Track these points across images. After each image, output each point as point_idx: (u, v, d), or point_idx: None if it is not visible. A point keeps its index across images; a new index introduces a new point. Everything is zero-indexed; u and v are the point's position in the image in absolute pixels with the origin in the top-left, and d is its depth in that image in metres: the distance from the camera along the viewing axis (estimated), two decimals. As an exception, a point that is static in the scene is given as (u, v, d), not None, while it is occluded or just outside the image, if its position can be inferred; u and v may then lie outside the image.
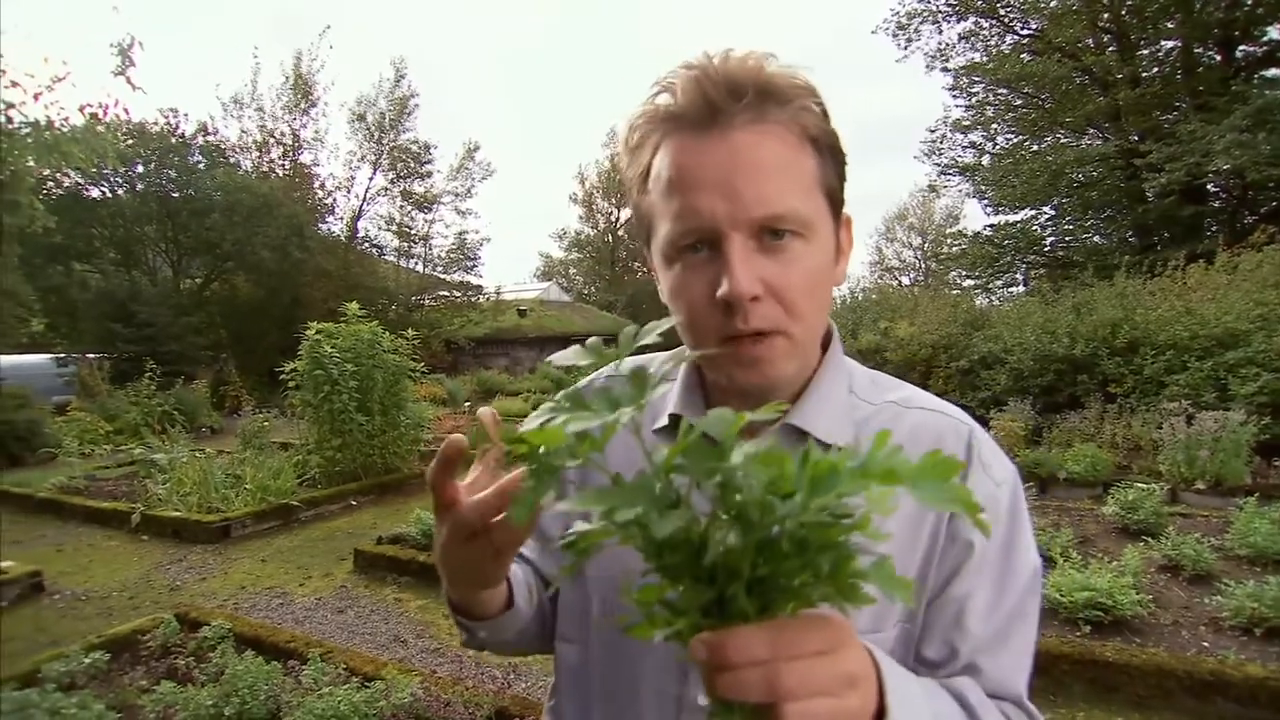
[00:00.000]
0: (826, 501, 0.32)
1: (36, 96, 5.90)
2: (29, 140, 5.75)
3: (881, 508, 0.32)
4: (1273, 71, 14.27)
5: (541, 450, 0.37)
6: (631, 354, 0.43)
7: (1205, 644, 2.97)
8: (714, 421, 0.35)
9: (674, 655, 0.62)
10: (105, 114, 6.42)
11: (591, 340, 0.44)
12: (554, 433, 0.35)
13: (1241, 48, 14.81)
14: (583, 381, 0.74)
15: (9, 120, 5.68)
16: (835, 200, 0.64)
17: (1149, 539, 4.03)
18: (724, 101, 0.56)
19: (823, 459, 0.33)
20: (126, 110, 6.65)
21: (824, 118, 0.61)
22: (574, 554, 0.37)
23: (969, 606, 0.61)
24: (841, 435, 0.65)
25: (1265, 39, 14.66)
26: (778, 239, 0.58)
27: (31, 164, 6.07)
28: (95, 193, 16.11)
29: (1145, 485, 4.65)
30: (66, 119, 6.03)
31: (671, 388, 0.72)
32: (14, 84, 5.73)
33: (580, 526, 0.37)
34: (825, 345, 0.70)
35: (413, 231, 21.82)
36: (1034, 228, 18.14)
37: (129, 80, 6.26)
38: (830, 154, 0.62)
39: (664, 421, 0.70)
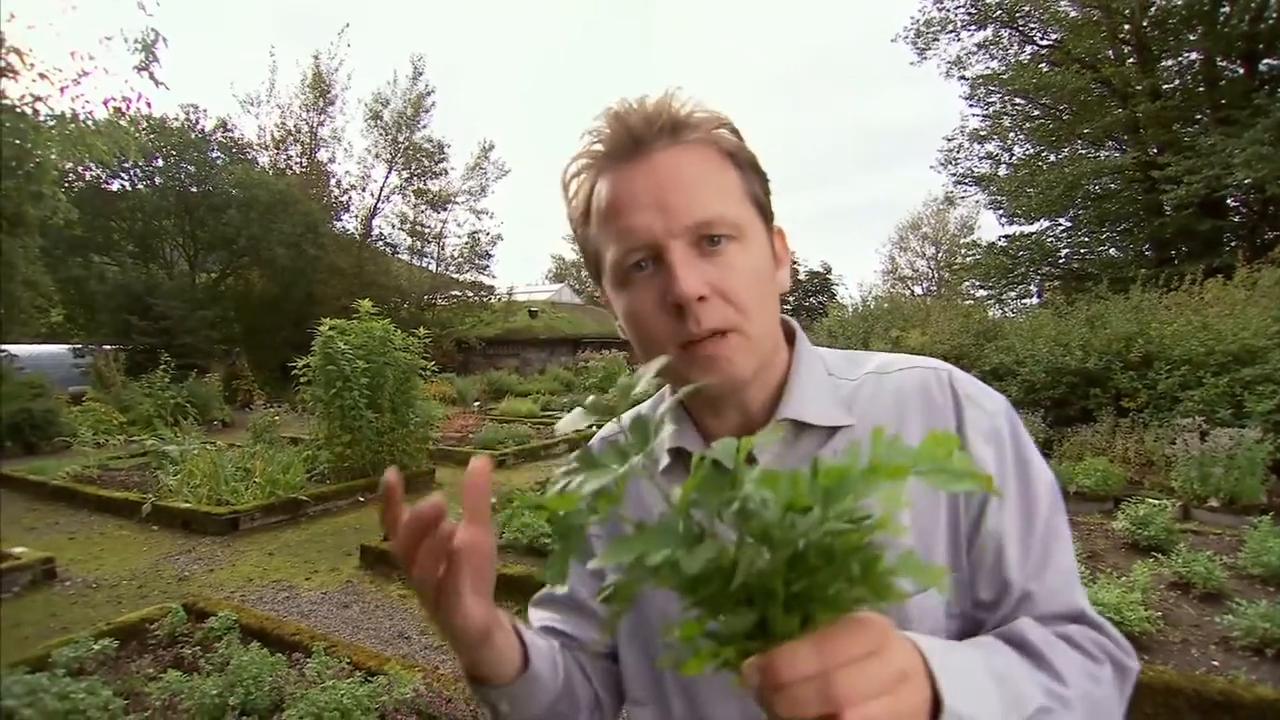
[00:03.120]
0: (844, 508, 0.33)
1: (63, 90, 5.99)
2: (54, 133, 5.84)
3: (894, 503, 0.33)
4: (1296, 86, 14.11)
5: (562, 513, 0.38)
6: (630, 404, 0.44)
7: (1215, 663, 2.93)
8: (722, 450, 0.36)
9: (750, 702, 0.62)
10: (129, 108, 6.51)
11: (591, 400, 0.45)
12: (570, 498, 0.37)
13: (1265, 61, 14.63)
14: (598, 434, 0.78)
15: (35, 113, 5.77)
16: (765, 210, 0.67)
17: (1159, 555, 3.97)
18: (642, 131, 0.62)
19: (832, 467, 0.34)
20: (149, 104, 6.75)
21: (738, 138, 0.66)
22: (615, 605, 0.38)
23: (1005, 540, 0.62)
24: (833, 415, 0.67)
25: (1289, 53, 14.49)
26: (715, 244, 0.61)
27: (55, 157, 6.17)
28: (115, 186, 16.35)
29: (1157, 501, 4.59)
30: (91, 113, 6.13)
31: (662, 418, 0.72)
32: (42, 76, 5.82)
33: (612, 579, 0.38)
34: (791, 342, 0.73)
35: (426, 230, 21.96)
36: (1049, 239, 17.99)
37: (152, 76, 6.35)
38: (751, 169, 0.66)
39: (666, 460, 0.70)
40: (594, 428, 0.58)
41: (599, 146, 0.65)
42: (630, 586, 0.37)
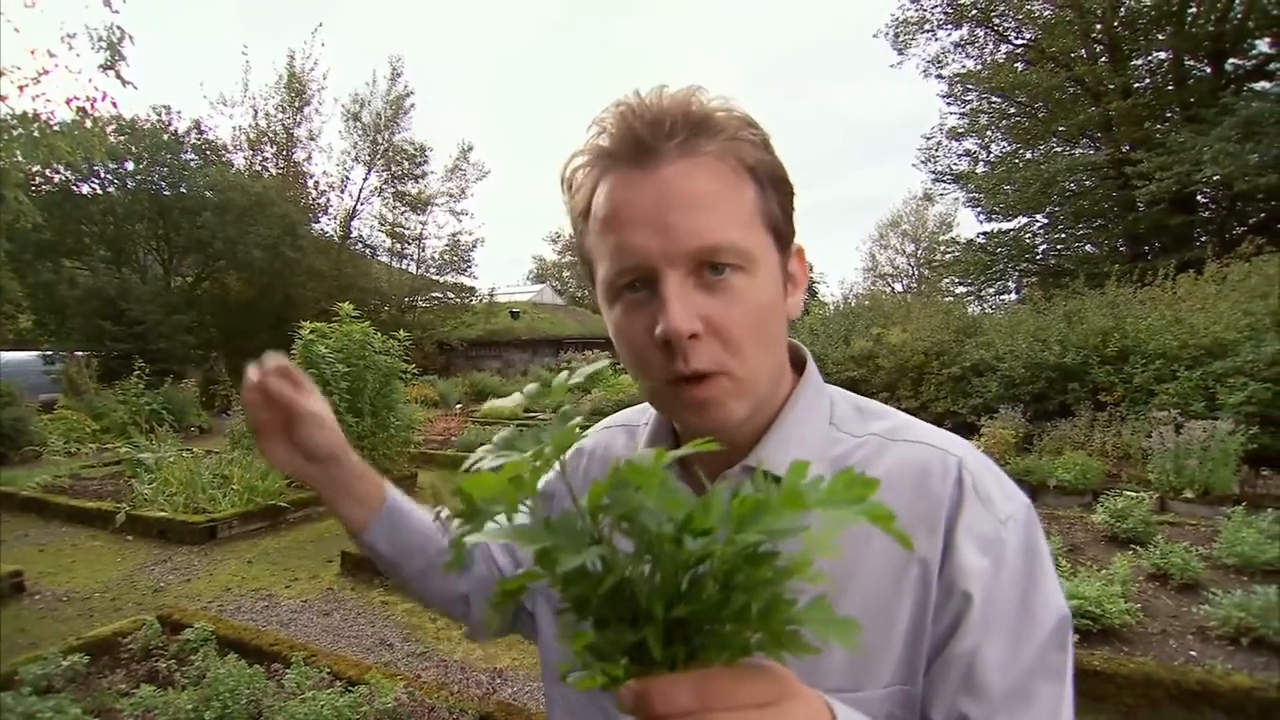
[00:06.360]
0: (749, 540, 0.30)
1: (21, 89, 5.83)
2: (18, 134, 5.68)
3: (822, 549, 0.30)
4: (1261, 84, 14.45)
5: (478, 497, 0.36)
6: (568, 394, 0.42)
7: (1193, 653, 2.97)
8: (640, 458, 0.34)
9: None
10: (93, 107, 6.35)
11: (529, 387, 0.43)
12: (486, 480, 0.35)
13: (1231, 60, 14.98)
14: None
15: (-6, 111, 5.61)
16: (780, 231, 0.61)
17: (1137, 547, 4.04)
18: (652, 138, 0.55)
19: (750, 495, 0.32)
20: (115, 104, 6.58)
21: (763, 147, 0.59)
22: (496, 601, 0.37)
23: (977, 664, 0.54)
24: (813, 474, 0.61)
25: (1254, 52, 14.86)
26: (718, 274, 0.56)
27: (20, 159, 6.00)
28: (86, 189, 15.98)
29: (1134, 494, 4.66)
30: (53, 113, 5.98)
31: (645, 437, 0.71)
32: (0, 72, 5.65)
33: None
34: (800, 370, 0.67)
35: (406, 232, 21.76)
36: (1026, 236, 18.28)
37: (119, 75, 6.19)
38: (772, 184, 0.60)
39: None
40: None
41: (605, 142, 0.58)
42: (520, 580, 0.35)
